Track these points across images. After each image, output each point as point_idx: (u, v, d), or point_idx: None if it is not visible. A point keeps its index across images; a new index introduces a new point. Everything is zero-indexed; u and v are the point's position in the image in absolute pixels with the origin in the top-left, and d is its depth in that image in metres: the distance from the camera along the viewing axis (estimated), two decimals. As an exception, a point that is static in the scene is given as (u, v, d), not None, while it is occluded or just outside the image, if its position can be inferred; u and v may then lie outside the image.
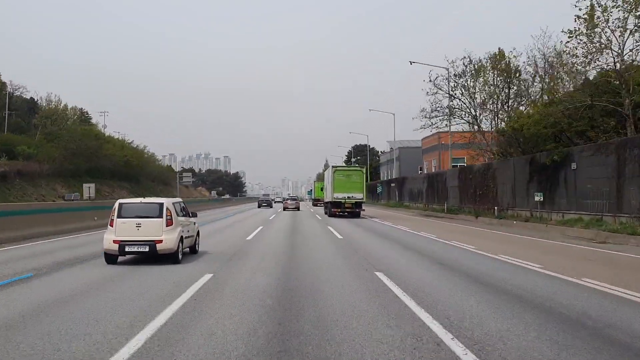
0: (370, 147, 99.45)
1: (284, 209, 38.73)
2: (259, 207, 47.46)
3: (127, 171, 51.67)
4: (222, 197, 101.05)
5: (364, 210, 28.26)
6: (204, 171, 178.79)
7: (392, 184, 46.71)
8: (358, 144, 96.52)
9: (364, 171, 28.58)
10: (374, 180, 69.83)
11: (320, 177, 63.30)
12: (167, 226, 8.23)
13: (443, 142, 41.24)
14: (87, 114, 64.09)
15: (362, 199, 27.16)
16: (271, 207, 47.78)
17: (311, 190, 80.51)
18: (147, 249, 8.11)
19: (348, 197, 26.62)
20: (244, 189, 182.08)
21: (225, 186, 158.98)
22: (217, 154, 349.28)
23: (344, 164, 79.04)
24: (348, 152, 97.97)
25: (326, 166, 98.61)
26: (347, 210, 26.94)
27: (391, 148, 66.23)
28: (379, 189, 51.48)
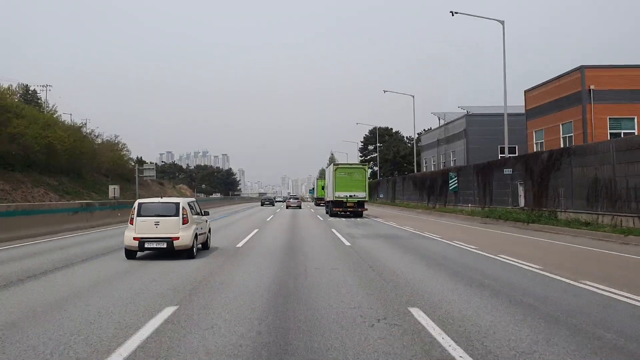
0: (393, 130, 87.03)
1: (287, 207, 46.98)
2: (262, 205, 59.20)
3: (55, 161, 37.57)
4: (210, 196, 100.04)
5: (366, 209, 29.93)
6: (192, 167, 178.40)
7: (507, 171, 23.50)
8: (379, 126, 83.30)
9: (367, 169, 30.04)
10: (402, 173, 59.33)
11: (323, 174, 64.39)
12: (183, 224, 9.86)
13: (593, 87, 23.37)
14: (36, 92, 54.60)
15: (365, 197, 28.76)
16: (273, 205, 59.86)
17: (313, 188, 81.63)
18: (165, 245, 9.74)
19: (350, 196, 28.25)
20: (239, 187, 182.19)
21: (216, 184, 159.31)
22: (215, 152, 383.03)
23: (358, 160, 78.47)
24: (364, 138, 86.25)
25: (331, 160, 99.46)
26: (350, 209, 28.57)
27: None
28: (453, 184, 30.34)
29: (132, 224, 9.86)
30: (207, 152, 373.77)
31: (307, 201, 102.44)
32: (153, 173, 42.73)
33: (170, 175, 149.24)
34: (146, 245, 9.77)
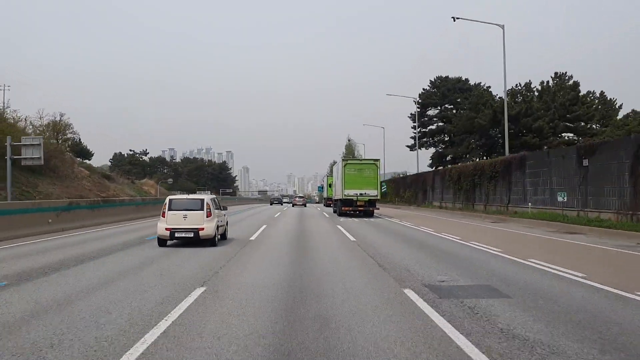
0: (471, 82, 67.01)
1: (293, 205, 67.89)
2: (270, 204, 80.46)
3: None
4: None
5: (377, 208, 33.61)
6: (178, 160, 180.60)
7: None
8: (443, 75, 67.84)
9: (378, 165, 33.37)
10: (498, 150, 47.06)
11: (334, 165, 66.01)
12: (207, 217, 14.34)
13: None
14: None
15: (377, 196, 32.47)
16: (281, 204, 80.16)
17: (322, 185, 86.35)
18: (192, 235, 14.22)
19: (360, 194, 31.98)
20: (235, 184, 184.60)
21: (206, 180, 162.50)
22: (219, 149, 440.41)
23: (414, 137, 65.54)
24: (422, 95, 66.58)
25: (349, 148, 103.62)
26: (360, 208, 32.26)
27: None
28: None
29: (164, 217, 14.37)
30: (211, 148, 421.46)
31: (316, 201, 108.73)
32: (38, 153, 30.79)
33: (153, 169, 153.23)
34: (176, 235, 14.28)
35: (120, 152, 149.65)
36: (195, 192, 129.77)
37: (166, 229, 14.28)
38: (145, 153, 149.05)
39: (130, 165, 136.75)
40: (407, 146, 72.16)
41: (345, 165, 33.16)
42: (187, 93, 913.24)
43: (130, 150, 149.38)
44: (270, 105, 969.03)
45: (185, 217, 14.32)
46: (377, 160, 34.10)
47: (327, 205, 55.15)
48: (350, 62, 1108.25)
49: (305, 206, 64.34)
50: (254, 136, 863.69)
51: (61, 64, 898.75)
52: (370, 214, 32.85)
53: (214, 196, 16.27)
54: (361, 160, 36.11)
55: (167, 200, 14.69)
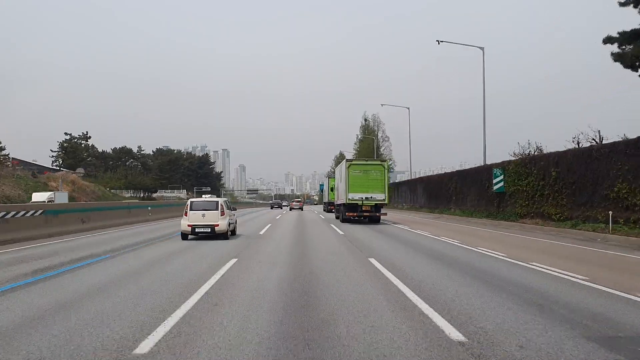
0: None
1: (290, 208, 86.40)
2: (271, 208, 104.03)
3: None
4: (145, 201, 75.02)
5: (385, 214, 37.80)
6: (151, 152, 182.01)
7: None
8: None
9: (386, 166, 37.60)
10: None
11: (337, 166, 67.30)
12: (221, 215, 22.04)
13: None
14: None
15: (384, 200, 36.53)
16: (281, 208, 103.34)
17: (322, 184, 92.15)
18: (209, 230, 21.91)
19: (366, 198, 36.11)
20: (222, 183, 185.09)
21: (181, 176, 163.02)
22: (215, 146, 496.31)
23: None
24: None
25: (364, 129, 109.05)
26: (365, 214, 36.48)
27: None
28: None
29: (186, 216, 22.09)
30: (206, 146, 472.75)
31: (315, 202, 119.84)
32: None
33: (117, 161, 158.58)
34: (196, 230, 21.99)
35: (70, 139, 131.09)
36: (155, 192, 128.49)
37: (188, 225, 22.06)
38: (87, 137, 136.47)
39: (64, 154, 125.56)
40: (613, 54, 36.63)
41: (349, 166, 37.07)
42: (187, 93, 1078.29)
43: (66, 133, 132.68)
44: (270, 105, 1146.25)
45: (203, 215, 22.08)
46: (385, 161, 38.66)
47: (329, 211, 59.68)
48: (351, 61, 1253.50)
49: (301, 210, 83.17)
50: (253, 135, 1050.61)
51: (61, 65, 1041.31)
52: (376, 220, 37.32)
53: (226, 199, 24.05)
54: (367, 160, 39.46)
55: (188, 202, 22.60)
